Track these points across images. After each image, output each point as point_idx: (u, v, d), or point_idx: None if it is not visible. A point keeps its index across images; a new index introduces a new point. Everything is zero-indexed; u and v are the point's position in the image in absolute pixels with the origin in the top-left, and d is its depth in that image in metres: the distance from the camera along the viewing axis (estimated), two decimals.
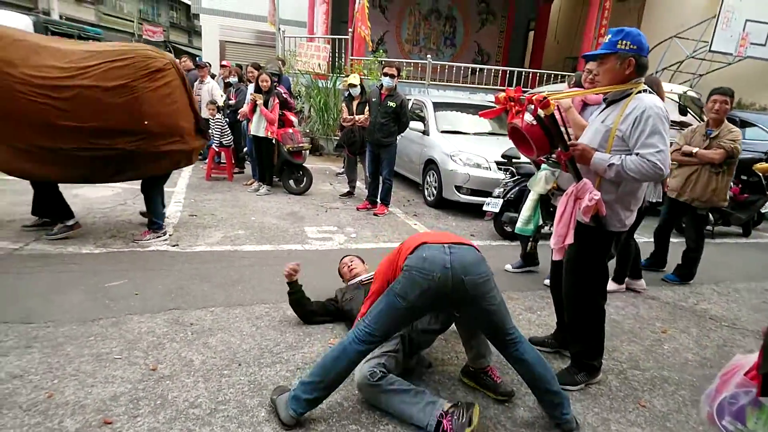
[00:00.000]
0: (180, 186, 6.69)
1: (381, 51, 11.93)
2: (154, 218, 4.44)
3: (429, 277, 2.02)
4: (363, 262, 3.34)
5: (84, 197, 5.53)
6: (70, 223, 4.28)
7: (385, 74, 5.74)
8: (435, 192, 6.61)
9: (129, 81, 3.73)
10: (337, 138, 10.80)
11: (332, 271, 3.52)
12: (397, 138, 6.03)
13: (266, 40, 18.01)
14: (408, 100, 7.42)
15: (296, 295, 2.97)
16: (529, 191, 4.09)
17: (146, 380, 2.31)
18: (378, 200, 6.19)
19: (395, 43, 15.79)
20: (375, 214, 6.00)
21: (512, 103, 2.29)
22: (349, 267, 3.23)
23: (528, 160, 4.34)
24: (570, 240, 2.36)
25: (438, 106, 7.53)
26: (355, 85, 6.14)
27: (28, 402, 2.08)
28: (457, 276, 2.02)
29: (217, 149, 7.31)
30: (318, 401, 2.10)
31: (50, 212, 4.35)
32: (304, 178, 6.87)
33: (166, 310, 3.04)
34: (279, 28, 12.81)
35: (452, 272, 2.02)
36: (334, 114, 10.60)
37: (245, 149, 7.84)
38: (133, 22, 29.66)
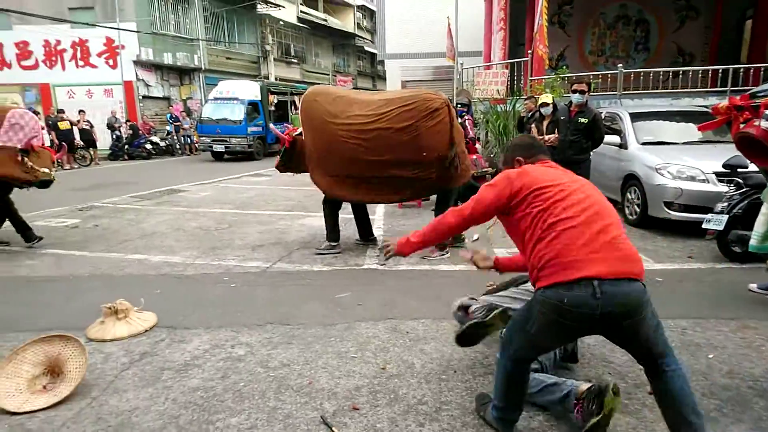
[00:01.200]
0: (378, 213, 7.43)
1: (563, 67, 11.52)
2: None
3: (569, 325, 1.84)
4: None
5: (309, 225, 6.56)
6: (336, 244, 5.27)
7: (575, 91, 5.59)
8: (638, 210, 6.06)
9: (414, 122, 4.58)
10: None
11: None
12: (590, 154, 5.76)
13: (442, 74, 18.96)
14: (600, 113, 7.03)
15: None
16: (763, 204, 3.54)
17: (379, 377, 2.67)
18: None
19: (577, 56, 15.06)
20: None
21: (738, 112, 2.09)
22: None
23: (758, 170, 3.77)
24: None
25: (636, 117, 6.95)
26: (547, 104, 6.09)
27: (296, 385, 2.61)
28: (607, 321, 1.79)
29: None
30: (516, 419, 2.14)
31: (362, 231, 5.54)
32: None
33: (385, 319, 3.45)
34: (457, 62, 13.38)
35: (601, 318, 1.77)
36: (514, 136, 10.55)
37: None
38: (328, 75, 34.17)
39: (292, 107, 19.49)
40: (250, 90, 17.54)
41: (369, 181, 4.86)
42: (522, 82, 11.71)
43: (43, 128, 5.86)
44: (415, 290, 4.08)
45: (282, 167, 5.53)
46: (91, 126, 16.58)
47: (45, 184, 5.49)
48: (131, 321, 3.30)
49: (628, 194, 6.34)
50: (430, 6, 17.90)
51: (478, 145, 7.22)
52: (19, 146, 5.14)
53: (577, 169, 5.64)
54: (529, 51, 11.25)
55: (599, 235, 1.81)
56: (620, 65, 10.55)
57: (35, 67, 20.50)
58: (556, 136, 5.79)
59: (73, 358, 2.65)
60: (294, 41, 30.78)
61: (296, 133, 5.30)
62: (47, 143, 6.74)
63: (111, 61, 19.92)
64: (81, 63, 20.21)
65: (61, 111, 16.16)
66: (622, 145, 6.59)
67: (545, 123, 6.16)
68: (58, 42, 19.93)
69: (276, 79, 26.32)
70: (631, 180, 6.27)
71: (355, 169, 4.80)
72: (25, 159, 5.16)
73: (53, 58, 20.27)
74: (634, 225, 6.14)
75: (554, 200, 1.91)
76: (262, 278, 4.48)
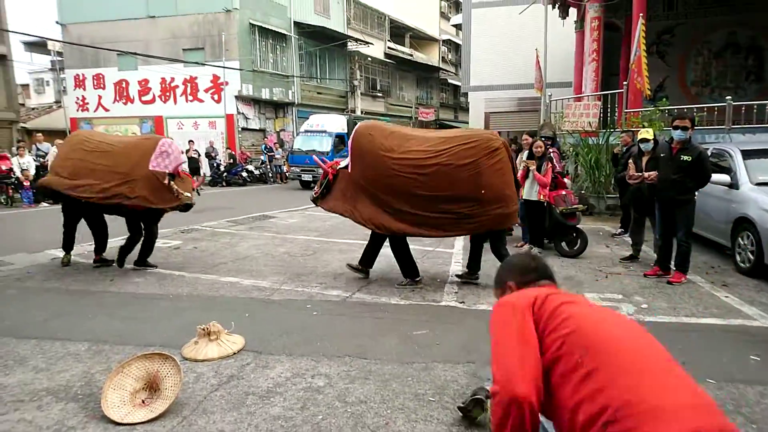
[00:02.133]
0: (457, 248, 7.32)
1: (662, 99, 10.82)
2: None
3: None
4: None
5: (387, 255, 6.60)
6: (417, 279, 5.26)
7: (676, 127, 5.21)
8: (751, 257, 5.43)
9: (475, 159, 4.68)
10: (611, 196, 10.15)
11: None
12: (695, 194, 5.29)
13: (526, 105, 18.61)
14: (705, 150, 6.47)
15: None
16: None
17: (458, 425, 2.58)
18: (672, 266, 5.46)
19: (678, 87, 14.11)
20: (669, 282, 5.29)
21: None
22: None
23: None
24: None
25: (748, 154, 6.30)
26: (647, 140, 5.73)
27: (373, 424, 2.59)
28: None
29: None
30: None
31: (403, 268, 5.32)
32: (578, 240, 6.62)
33: (464, 363, 3.34)
34: (545, 93, 13.08)
35: None
36: (606, 171, 10.00)
37: None
38: (411, 107, 34.92)
39: None
40: (338, 123, 18.39)
41: (419, 215, 4.85)
42: (616, 114, 11.15)
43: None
44: None
45: (319, 200, 5.42)
46: (199, 155, 18.29)
47: (186, 207, 5.90)
48: (222, 343, 3.49)
49: (740, 239, 5.71)
50: (517, 38, 17.78)
51: (567, 180, 6.92)
52: (167, 171, 5.54)
53: (679, 210, 5.26)
54: (625, 82, 10.72)
55: None
56: (729, 97, 9.71)
57: (152, 101, 23.12)
58: (656, 174, 5.40)
59: (169, 377, 2.84)
60: (380, 76, 31.94)
61: (341, 166, 5.30)
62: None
63: (216, 96, 21.93)
64: (190, 98, 22.48)
65: (191, 142, 18.24)
66: (733, 185, 5.99)
67: (644, 159, 5.77)
68: (173, 79, 22.37)
69: (362, 112, 27.38)
70: (743, 224, 5.65)
71: (405, 204, 4.83)
72: (172, 183, 5.54)
73: (167, 94, 22.75)
74: (747, 274, 5.51)
75: None
76: (342, 308, 4.56)
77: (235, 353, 3.47)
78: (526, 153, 7.01)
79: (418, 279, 5.25)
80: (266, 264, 6.24)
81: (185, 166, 6.52)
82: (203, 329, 3.50)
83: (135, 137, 6.26)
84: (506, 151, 4.84)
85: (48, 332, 3.93)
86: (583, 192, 10.24)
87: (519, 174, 6.88)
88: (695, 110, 10.08)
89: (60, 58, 25.58)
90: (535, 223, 6.78)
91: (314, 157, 5.48)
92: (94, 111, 23.77)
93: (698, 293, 4.97)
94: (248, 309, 4.50)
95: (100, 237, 6.09)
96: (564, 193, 6.62)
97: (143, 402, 2.79)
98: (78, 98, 23.95)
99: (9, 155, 13.68)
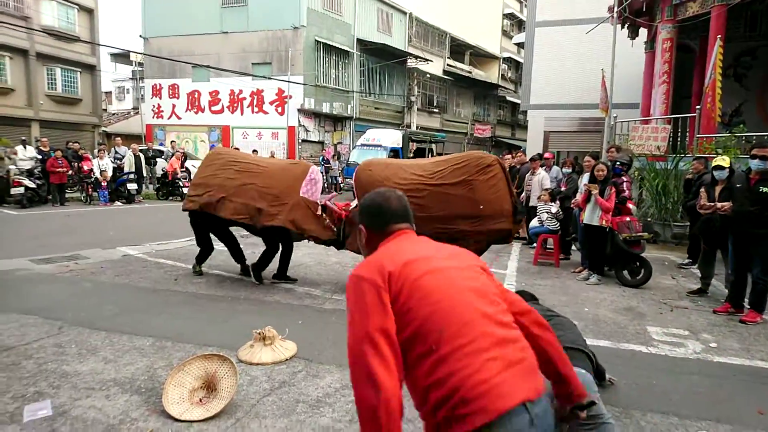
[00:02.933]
0: (510, 269, 7.16)
1: (739, 125, 10.15)
2: None
3: None
4: None
5: None
6: None
7: (754, 156, 4.87)
8: None
9: (467, 176, 4.85)
10: (678, 224, 9.59)
11: (686, 384, 3.06)
12: None
13: (589, 125, 17.99)
14: None
15: None
16: None
17: None
18: (746, 304, 5.07)
19: (758, 113, 13.20)
20: (742, 321, 4.91)
21: None
22: None
23: None
24: None
25: None
26: (723, 168, 5.39)
27: None
28: None
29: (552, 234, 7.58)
30: None
31: None
32: (642, 270, 6.29)
33: None
34: (610, 114, 12.64)
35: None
36: (674, 197, 9.47)
37: (573, 235, 7.84)
38: (467, 123, 34.73)
39: (429, 154, 20.18)
40: (393, 138, 18.66)
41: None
42: (687, 139, 10.57)
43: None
44: None
45: (346, 243, 5.39)
46: None
47: (328, 242, 5.55)
48: (276, 348, 3.59)
49: None
50: (581, 57, 17.33)
51: (631, 205, 6.60)
52: (321, 203, 5.34)
53: (757, 245, 4.90)
54: (698, 106, 10.16)
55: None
56: None
57: (221, 111, 24.39)
58: (730, 204, 5.07)
59: (226, 378, 2.96)
60: (437, 92, 32.07)
61: (352, 207, 5.35)
62: None
63: (280, 109, 22.85)
64: (256, 109, 23.55)
65: (255, 151, 19.02)
66: None
67: (718, 189, 5.43)
68: (241, 91, 23.55)
69: (417, 127, 27.57)
70: None
71: None
72: (324, 215, 5.33)
73: (235, 105, 23.95)
74: None
75: None
76: None
77: (287, 359, 3.56)
78: (587, 176, 6.78)
79: None
80: (319, 273, 6.38)
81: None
82: (259, 333, 3.62)
83: (282, 161, 6.20)
84: (500, 166, 4.95)
85: (117, 326, 4.20)
86: (648, 219, 9.75)
87: (580, 198, 6.68)
88: None
89: (140, 69, 27.66)
90: (595, 249, 6.52)
91: (325, 202, 5.55)
92: (168, 118, 25.39)
93: None
94: (301, 316, 4.62)
95: (234, 248, 6.07)
96: (628, 219, 6.33)
97: (201, 401, 2.92)
98: (154, 106, 25.69)
99: (90, 156, 14.85)
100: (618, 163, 6.72)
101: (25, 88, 22.26)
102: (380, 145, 18.14)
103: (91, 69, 25.14)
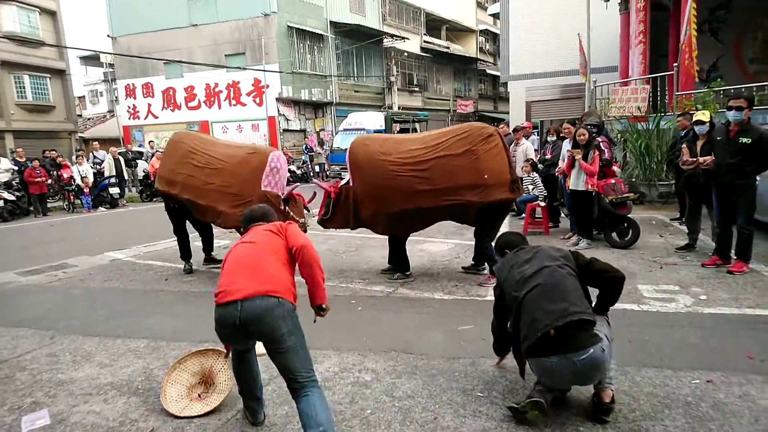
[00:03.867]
0: None
1: (717, 80, 10.19)
2: (489, 262, 5.12)
3: (224, 332, 2.52)
4: None
5: (428, 251, 6.61)
6: (407, 273, 5.36)
7: (730, 108, 4.90)
8: None
9: (471, 146, 4.82)
10: (663, 183, 9.68)
11: (679, 336, 3.11)
12: (757, 178, 4.96)
13: (570, 92, 17.94)
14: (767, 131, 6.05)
15: None
16: None
17: (508, 421, 2.54)
18: (732, 255, 5.16)
19: (734, 66, 13.25)
20: (730, 272, 5.00)
21: None
22: None
23: None
24: None
25: None
26: (703, 122, 5.41)
27: (420, 419, 2.59)
28: (244, 329, 2.39)
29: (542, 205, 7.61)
30: None
31: (396, 263, 5.54)
32: (630, 231, 6.36)
33: (511, 358, 3.27)
34: (589, 79, 12.63)
35: (240, 328, 2.40)
36: (657, 157, 9.54)
37: (560, 200, 7.87)
38: (449, 100, 34.54)
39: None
40: (376, 120, 18.51)
41: (426, 211, 5.00)
42: (666, 97, 10.61)
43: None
44: None
45: (326, 221, 5.41)
46: None
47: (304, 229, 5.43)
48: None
49: None
50: (558, 24, 17.22)
51: (615, 168, 6.62)
52: (282, 195, 5.21)
53: (739, 196, 4.96)
54: (675, 64, 10.17)
55: None
56: None
57: (198, 107, 23.95)
58: (712, 158, 5.11)
59: (224, 371, 2.95)
60: (417, 70, 31.76)
61: (341, 184, 5.28)
62: None
63: (258, 99, 22.48)
64: (233, 102, 23.15)
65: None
66: None
67: (699, 144, 5.46)
68: (216, 85, 23.11)
69: (399, 108, 27.36)
70: None
71: (410, 202, 4.90)
72: (287, 209, 5.19)
73: (212, 99, 23.52)
74: None
75: None
76: (386, 303, 4.59)
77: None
78: (570, 143, 6.78)
79: (408, 273, 5.36)
80: None
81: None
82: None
83: (240, 148, 5.78)
84: (500, 137, 4.98)
85: (110, 330, 4.16)
86: (633, 180, 9.82)
87: (564, 164, 6.69)
88: (755, 89, 9.47)
89: (112, 70, 26.99)
90: (583, 214, 6.56)
91: (314, 180, 5.57)
92: (145, 118, 24.91)
93: (763, 283, 4.67)
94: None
95: (207, 237, 6.34)
96: (613, 181, 6.36)
97: (199, 396, 2.91)
98: (129, 107, 25.17)
99: (69, 164, 14.57)
100: (588, 125, 6.69)
101: None
102: (363, 129, 17.97)
103: (60, 74, 24.49)
